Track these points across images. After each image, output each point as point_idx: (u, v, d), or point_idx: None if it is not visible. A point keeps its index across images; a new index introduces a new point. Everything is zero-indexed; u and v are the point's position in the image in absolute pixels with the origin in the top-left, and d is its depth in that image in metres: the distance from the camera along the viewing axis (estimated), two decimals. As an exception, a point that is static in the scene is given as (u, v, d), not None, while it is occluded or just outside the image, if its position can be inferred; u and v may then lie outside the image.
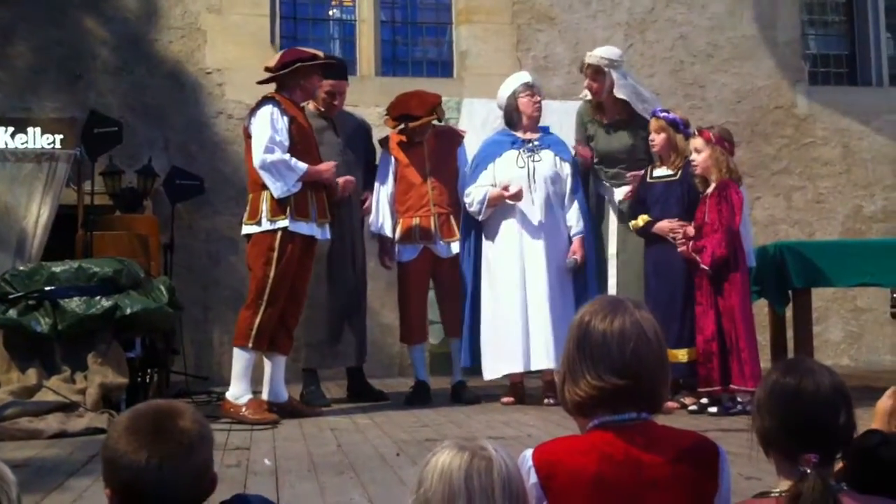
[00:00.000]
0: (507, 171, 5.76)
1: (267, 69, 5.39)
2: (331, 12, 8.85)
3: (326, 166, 5.33)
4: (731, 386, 5.12)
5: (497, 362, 5.68)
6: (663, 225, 5.41)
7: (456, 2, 8.71)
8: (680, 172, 5.51)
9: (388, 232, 5.96)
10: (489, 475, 1.50)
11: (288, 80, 5.31)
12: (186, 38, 8.14)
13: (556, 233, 5.73)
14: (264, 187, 5.14)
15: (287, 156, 5.13)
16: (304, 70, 5.31)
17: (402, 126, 5.93)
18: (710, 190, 5.27)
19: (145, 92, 8.00)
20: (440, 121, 6.14)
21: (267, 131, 5.12)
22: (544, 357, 5.54)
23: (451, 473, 1.50)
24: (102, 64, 7.99)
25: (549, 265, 5.64)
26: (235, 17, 8.18)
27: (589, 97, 6.02)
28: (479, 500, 1.49)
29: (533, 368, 5.65)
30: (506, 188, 5.66)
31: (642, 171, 5.67)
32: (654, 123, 5.57)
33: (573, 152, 5.92)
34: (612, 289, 5.80)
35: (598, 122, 5.99)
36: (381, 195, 5.98)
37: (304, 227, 5.20)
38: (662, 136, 5.53)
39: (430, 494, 1.51)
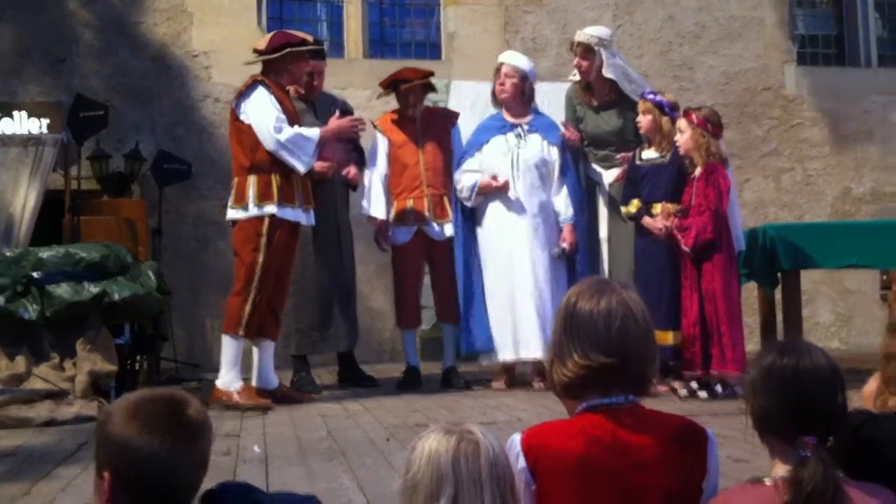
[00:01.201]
0: (492, 157, 5.74)
1: (256, 51, 5.34)
2: (318, -6, 8.79)
3: (335, 123, 5.31)
4: (712, 371, 5.13)
5: (501, 348, 5.66)
6: (651, 223, 5.39)
7: (444, -17, 8.66)
8: (669, 155, 5.50)
9: (382, 214, 5.93)
10: (476, 459, 1.51)
11: (275, 64, 5.26)
12: (172, 20, 8.07)
13: (545, 219, 5.70)
14: (250, 171, 5.10)
15: (297, 127, 5.11)
16: (293, 55, 5.27)
17: (393, 92, 5.94)
18: (696, 172, 5.26)
19: (131, 75, 7.94)
20: (433, 89, 6.11)
21: (271, 112, 5.08)
22: (533, 347, 5.54)
23: (438, 457, 1.51)
24: (87, 47, 7.92)
25: (536, 253, 5.62)
26: (222, -1, 8.12)
27: (577, 78, 5.99)
28: (467, 483, 1.49)
29: (522, 358, 5.65)
30: (495, 177, 5.64)
31: (632, 153, 5.65)
32: (641, 105, 5.57)
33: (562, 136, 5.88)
34: (603, 272, 5.80)
35: (587, 104, 5.97)
36: (374, 177, 5.95)
37: (291, 213, 5.17)
38: (649, 117, 5.52)
39: (419, 479, 1.53)
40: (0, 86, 7.75)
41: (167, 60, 8.02)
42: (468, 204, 5.76)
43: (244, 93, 5.18)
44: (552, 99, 7.87)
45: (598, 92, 5.92)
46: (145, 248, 6.86)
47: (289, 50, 5.22)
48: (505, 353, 5.63)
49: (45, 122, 7.42)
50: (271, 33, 5.48)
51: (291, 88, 5.79)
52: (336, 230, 5.91)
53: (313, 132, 5.16)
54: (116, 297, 5.27)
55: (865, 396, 2.14)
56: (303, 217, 5.26)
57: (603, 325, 1.76)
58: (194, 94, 7.99)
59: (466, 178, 5.73)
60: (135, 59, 7.96)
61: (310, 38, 5.49)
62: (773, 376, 1.79)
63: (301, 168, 5.10)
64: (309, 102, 5.92)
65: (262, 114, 5.10)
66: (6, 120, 7.31)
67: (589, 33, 5.90)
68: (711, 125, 5.28)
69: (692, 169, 5.30)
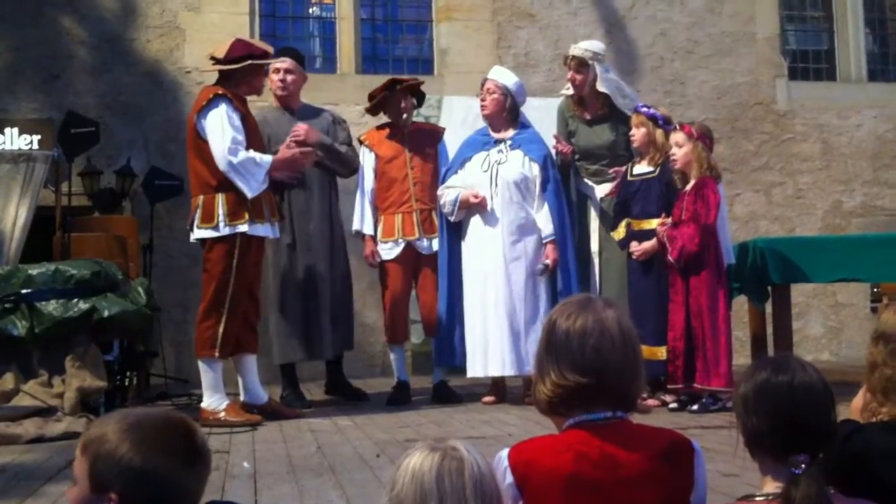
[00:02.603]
0: (472, 174, 5.73)
1: (213, 59, 5.22)
2: (311, 10, 8.83)
3: (288, 151, 5.26)
4: (694, 385, 5.12)
5: (469, 364, 5.67)
6: (647, 248, 5.41)
7: (436, -1, 8.70)
8: (658, 169, 5.51)
9: (369, 230, 5.93)
10: (460, 476, 1.50)
11: (235, 74, 5.14)
12: (165, 36, 8.09)
13: (524, 235, 5.65)
14: (218, 189, 4.98)
15: (252, 153, 5.01)
16: (254, 67, 5.16)
17: (381, 109, 6.03)
18: (688, 186, 5.26)
19: (124, 91, 7.94)
20: (421, 101, 6.09)
21: (228, 131, 4.96)
22: (499, 364, 5.54)
23: (422, 475, 1.51)
24: (80, 63, 7.93)
25: (511, 271, 5.59)
26: (214, 16, 8.14)
27: (570, 92, 6.01)
28: (451, 500, 1.49)
29: (490, 374, 5.64)
30: (475, 194, 5.64)
31: (624, 168, 5.66)
32: (634, 118, 5.58)
33: (553, 149, 5.88)
34: (595, 287, 5.79)
35: (580, 118, 5.98)
36: (358, 193, 5.97)
37: (261, 229, 5.11)
38: (642, 130, 5.53)
39: (402, 496, 1.52)
40: (-8, 102, 7.75)
41: (160, 77, 8.03)
42: (451, 219, 5.76)
43: (204, 107, 5.04)
44: (544, 114, 7.89)
45: (590, 106, 5.94)
46: (136, 264, 6.85)
47: (250, 62, 5.12)
48: (475, 369, 5.63)
49: (36, 138, 7.45)
50: (230, 41, 5.31)
51: (273, 100, 5.78)
52: (316, 238, 5.80)
53: (265, 159, 5.06)
54: (106, 313, 5.26)
55: (853, 409, 2.14)
56: (270, 231, 5.21)
57: (577, 344, 1.76)
58: (186, 111, 7.87)
59: (448, 193, 5.73)
60: (128, 76, 7.97)
61: (270, 50, 5.40)
62: (767, 394, 1.78)
63: (249, 193, 4.96)
64: (291, 112, 5.87)
65: (219, 133, 4.96)
66: (-3, 136, 7.33)
67: (583, 47, 5.92)
68: (709, 140, 5.31)
69: (683, 183, 5.31)
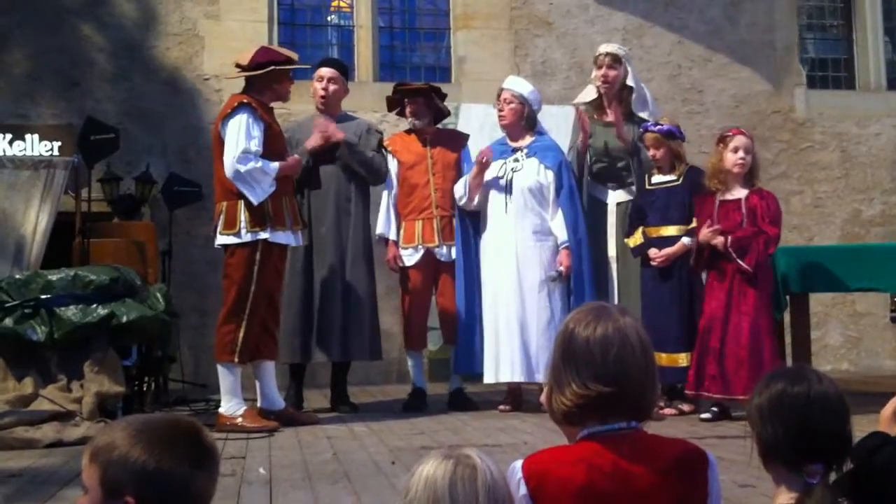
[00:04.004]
0: (488, 180, 5.77)
1: (238, 66, 5.30)
2: (329, 18, 8.86)
3: (294, 160, 5.30)
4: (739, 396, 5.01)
5: (487, 370, 5.67)
6: (670, 253, 5.41)
7: (454, 7, 8.71)
8: (682, 178, 5.51)
9: (392, 235, 5.95)
10: (473, 483, 1.51)
11: (259, 81, 5.22)
12: (184, 44, 8.14)
13: (538, 243, 5.68)
14: (240, 196, 5.07)
15: (259, 162, 5.05)
16: (277, 73, 5.24)
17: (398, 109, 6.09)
18: (739, 194, 5.22)
19: (143, 98, 8.00)
20: (441, 104, 6.11)
21: (241, 141, 5.03)
22: (509, 370, 5.54)
23: (435, 482, 1.51)
24: (100, 70, 8.00)
25: (524, 277, 5.62)
26: (233, 24, 8.19)
27: (591, 97, 5.99)
28: (463, 507, 1.49)
29: (501, 380, 5.65)
30: (478, 160, 5.68)
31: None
32: (650, 139, 5.56)
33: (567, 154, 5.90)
34: (613, 292, 5.79)
35: (598, 120, 5.98)
36: (384, 198, 5.99)
37: (282, 237, 5.16)
38: (663, 150, 5.53)
39: (416, 503, 1.52)
40: (12, 108, 7.83)
41: (178, 84, 8.08)
42: (470, 204, 5.75)
43: (228, 114, 5.13)
44: (561, 122, 7.89)
45: (612, 107, 5.93)
46: (155, 270, 6.88)
47: (273, 68, 5.19)
48: (489, 375, 5.64)
49: (56, 144, 7.50)
50: (255, 48, 5.42)
51: (315, 105, 5.83)
52: (329, 241, 5.78)
53: (272, 167, 5.10)
54: (124, 318, 5.29)
55: (883, 420, 2.11)
56: (292, 239, 5.26)
57: (600, 353, 1.74)
58: (205, 118, 8.03)
59: (458, 188, 5.79)
60: (147, 83, 8.02)
61: (295, 57, 5.46)
62: (783, 405, 1.78)
63: (254, 200, 5.03)
64: (330, 117, 5.87)
65: (233, 142, 5.05)
66: (18, 142, 7.39)
67: (616, 45, 6.05)
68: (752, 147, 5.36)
69: (721, 189, 5.26)
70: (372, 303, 5.92)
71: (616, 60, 5.90)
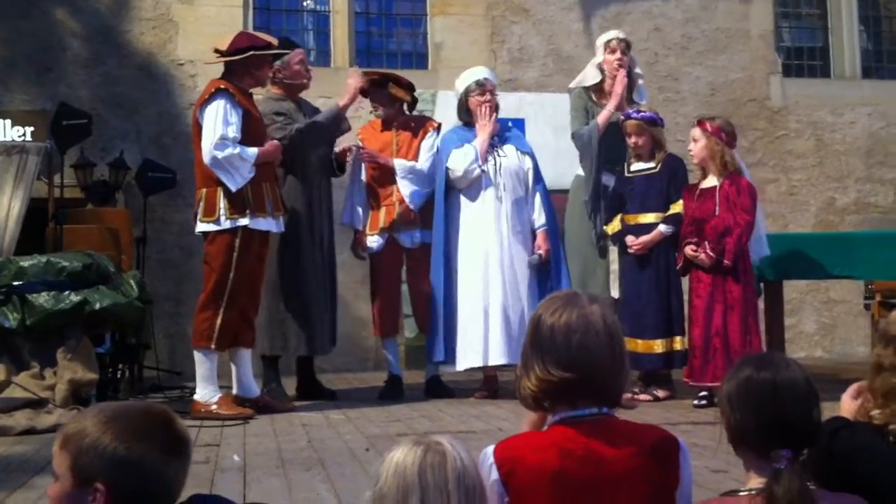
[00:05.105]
0: (468, 167, 5.74)
1: (217, 51, 5.25)
2: (305, 3, 8.80)
3: (272, 146, 5.24)
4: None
5: (463, 355, 5.67)
6: (646, 240, 5.43)
7: (431, -7, 8.67)
8: (660, 165, 5.53)
9: (358, 224, 5.93)
10: (442, 470, 1.51)
11: (238, 67, 5.17)
12: (158, 29, 8.06)
13: (523, 226, 5.75)
14: (220, 183, 5.03)
15: (237, 149, 5.01)
16: (257, 58, 5.20)
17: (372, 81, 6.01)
18: (712, 182, 5.24)
19: (117, 84, 7.92)
20: (406, 87, 6.07)
21: (218, 127, 4.99)
22: (500, 353, 5.55)
23: (405, 469, 1.52)
24: (73, 56, 7.91)
25: (512, 260, 5.66)
26: (208, 8, 8.11)
27: (591, 82, 5.99)
28: (433, 494, 1.50)
29: (490, 364, 5.64)
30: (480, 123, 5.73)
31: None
32: (632, 126, 5.55)
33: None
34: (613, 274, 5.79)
35: (600, 105, 5.95)
36: (353, 186, 5.97)
37: (263, 223, 5.13)
38: (645, 137, 5.54)
39: (386, 490, 1.54)
40: (-15, 94, 7.73)
41: (153, 69, 8.00)
42: (482, 168, 5.71)
43: (205, 101, 5.08)
44: (538, 109, 7.91)
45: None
46: (129, 256, 6.83)
47: (252, 53, 5.14)
48: (471, 360, 5.62)
49: (29, 130, 7.42)
50: (234, 34, 5.39)
51: (275, 89, 5.77)
52: (320, 231, 5.76)
53: (251, 151, 5.06)
54: (97, 305, 5.25)
55: (843, 408, 2.13)
56: (273, 225, 5.22)
57: (562, 339, 1.76)
58: (180, 103, 7.97)
59: (456, 160, 5.74)
60: (121, 68, 7.94)
61: (274, 42, 5.42)
62: (750, 390, 1.79)
63: (232, 187, 4.99)
64: (296, 102, 5.83)
65: (211, 128, 5.00)
66: (-10, 128, 7.30)
67: (620, 32, 6.10)
68: (725, 134, 5.30)
69: (702, 178, 5.32)
70: (333, 292, 5.88)
71: (629, 47, 5.96)
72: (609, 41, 6.00)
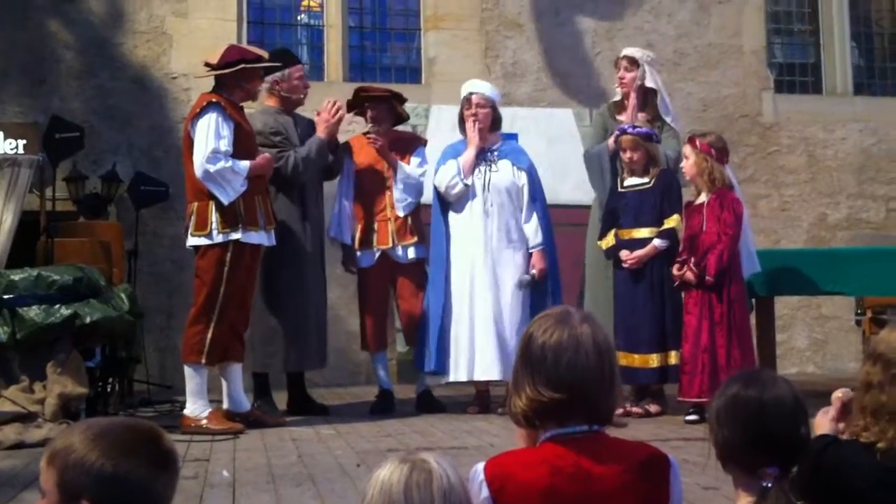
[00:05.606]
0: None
1: (207, 65, 5.24)
2: (299, 17, 8.81)
3: (264, 159, 5.23)
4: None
5: (453, 368, 5.63)
6: (641, 255, 5.43)
7: (424, 8, 8.69)
8: (654, 180, 5.54)
9: (347, 238, 5.91)
10: (428, 488, 1.51)
11: (228, 80, 5.16)
12: (152, 42, 8.07)
13: (511, 243, 5.69)
14: (211, 196, 5.02)
15: (229, 162, 5.00)
16: (248, 71, 5.19)
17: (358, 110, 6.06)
18: (702, 198, 5.26)
19: (110, 96, 7.91)
20: (402, 102, 6.09)
21: (210, 141, 4.98)
22: (487, 368, 5.53)
23: (390, 486, 1.52)
24: (66, 68, 7.90)
25: (501, 277, 5.62)
26: (202, 22, 8.12)
27: (617, 98, 6.04)
28: (419, 511, 1.49)
29: (476, 378, 5.62)
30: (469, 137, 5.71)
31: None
32: (628, 141, 5.57)
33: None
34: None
35: (616, 121, 5.97)
36: (341, 200, 5.95)
37: (255, 237, 5.12)
38: (640, 152, 5.56)
39: (372, 508, 1.52)
40: (-23, 106, 7.72)
41: (146, 82, 8.00)
42: (466, 182, 5.68)
43: (197, 114, 5.07)
44: (531, 124, 7.92)
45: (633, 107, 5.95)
46: (120, 269, 6.80)
47: (242, 66, 5.14)
48: (459, 373, 5.61)
49: (21, 142, 7.38)
50: (225, 47, 5.38)
51: (271, 101, 5.76)
52: (320, 246, 5.78)
53: (243, 165, 5.06)
54: (88, 319, 5.21)
55: (818, 427, 2.09)
56: (265, 238, 5.21)
57: (552, 359, 1.76)
58: (173, 116, 7.97)
59: (444, 175, 5.72)
60: (114, 81, 7.94)
61: (265, 55, 5.43)
62: (737, 407, 1.79)
63: (224, 200, 4.99)
64: (290, 115, 5.83)
65: (203, 141, 4.99)
66: (-18, 140, 7.27)
67: (638, 49, 6.15)
68: (716, 150, 5.31)
69: (696, 195, 5.35)
70: (324, 307, 5.87)
71: (633, 63, 5.94)
72: (617, 58, 6.08)
